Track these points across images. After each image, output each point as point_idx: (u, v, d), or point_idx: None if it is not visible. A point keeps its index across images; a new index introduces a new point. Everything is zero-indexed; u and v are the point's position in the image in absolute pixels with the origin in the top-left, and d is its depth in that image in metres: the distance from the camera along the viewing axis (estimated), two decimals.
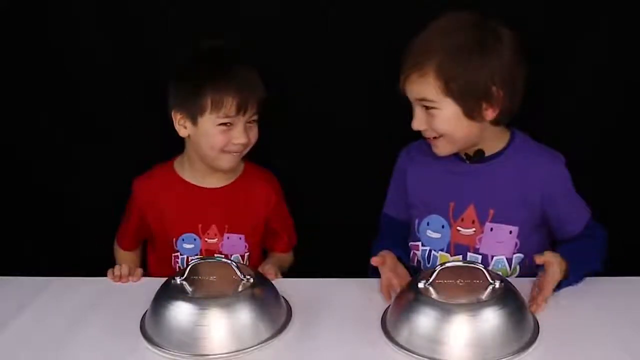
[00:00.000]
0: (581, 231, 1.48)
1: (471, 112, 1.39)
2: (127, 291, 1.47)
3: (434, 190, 1.53)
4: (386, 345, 1.23)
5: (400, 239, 1.57)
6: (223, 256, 1.53)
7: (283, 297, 1.35)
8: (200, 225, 1.62)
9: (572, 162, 1.49)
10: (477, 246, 1.48)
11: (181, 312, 1.24)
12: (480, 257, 1.48)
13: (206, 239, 1.62)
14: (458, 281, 1.23)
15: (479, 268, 1.24)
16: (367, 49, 1.68)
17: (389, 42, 1.51)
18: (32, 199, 1.88)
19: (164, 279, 1.32)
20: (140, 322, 1.31)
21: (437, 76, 1.36)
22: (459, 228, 1.49)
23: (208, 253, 1.63)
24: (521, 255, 1.48)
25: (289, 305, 1.35)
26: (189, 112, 1.52)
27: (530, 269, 1.44)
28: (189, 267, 1.29)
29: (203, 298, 1.25)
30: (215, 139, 1.52)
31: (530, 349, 1.19)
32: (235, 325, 1.23)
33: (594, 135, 1.70)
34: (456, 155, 1.49)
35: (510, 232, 1.47)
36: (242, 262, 1.64)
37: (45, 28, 1.72)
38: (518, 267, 1.49)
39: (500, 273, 1.39)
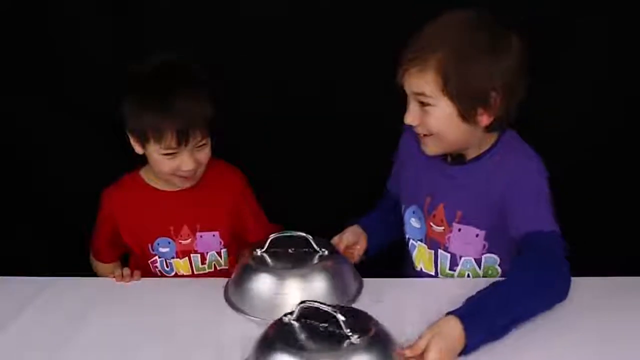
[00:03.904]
0: (528, 236, 1.33)
1: (466, 114, 1.34)
2: (127, 291, 1.47)
3: (416, 181, 1.51)
4: None
5: (389, 211, 1.59)
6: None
7: (355, 269, 1.43)
8: (172, 228, 1.62)
9: (570, 167, 1.48)
10: (447, 245, 1.47)
11: (262, 281, 1.34)
12: (449, 255, 1.47)
13: (180, 241, 1.62)
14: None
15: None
16: (367, 47, 1.68)
17: (389, 39, 1.51)
18: (32, 199, 1.88)
19: (163, 279, 1.32)
20: (224, 290, 1.40)
21: (437, 72, 1.31)
22: (431, 224, 1.48)
23: (183, 254, 1.63)
24: (491, 255, 1.44)
25: (360, 278, 1.42)
26: (137, 137, 1.51)
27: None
28: (269, 240, 1.38)
29: (282, 269, 1.35)
30: (162, 166, 1.52)
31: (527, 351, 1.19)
32: (311, 294, 1.27)
33: (594, 138, 1.71)
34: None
35: (477, 235, 1.43)
36: (219, 259, 1.65)
37: (46, 28, 1.73)
38: (499, 269, 1.45)
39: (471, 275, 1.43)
